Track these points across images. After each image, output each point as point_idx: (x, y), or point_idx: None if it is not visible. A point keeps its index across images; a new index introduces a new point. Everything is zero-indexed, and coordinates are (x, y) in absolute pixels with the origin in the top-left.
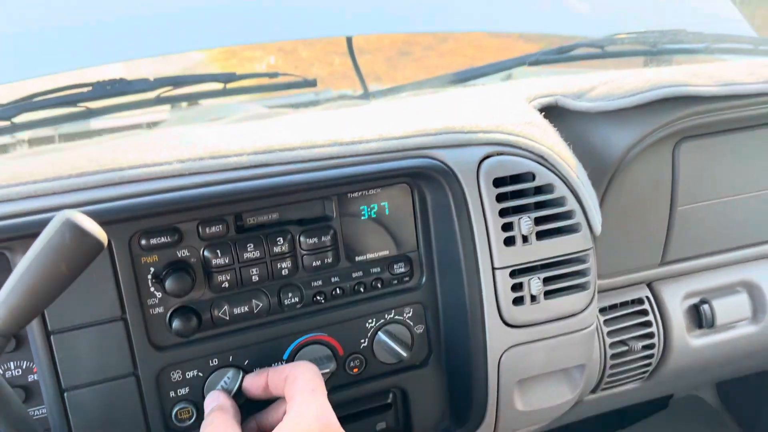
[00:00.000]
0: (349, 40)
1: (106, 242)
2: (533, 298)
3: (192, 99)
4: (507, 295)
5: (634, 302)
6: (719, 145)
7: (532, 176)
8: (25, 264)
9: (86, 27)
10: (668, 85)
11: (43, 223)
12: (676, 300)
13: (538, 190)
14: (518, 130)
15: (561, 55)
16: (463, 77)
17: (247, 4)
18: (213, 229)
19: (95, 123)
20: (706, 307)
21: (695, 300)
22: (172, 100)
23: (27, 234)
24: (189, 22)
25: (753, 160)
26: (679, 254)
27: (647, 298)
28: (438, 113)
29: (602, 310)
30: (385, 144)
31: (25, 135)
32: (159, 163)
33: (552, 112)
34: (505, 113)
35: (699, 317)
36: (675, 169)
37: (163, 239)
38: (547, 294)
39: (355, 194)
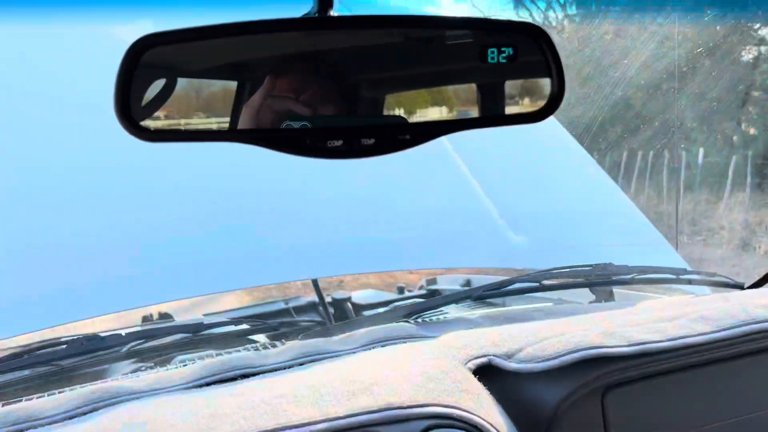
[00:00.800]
0: (315, 282)
1: None
2: None
3: (161, 350)
4: None
5: None
6: (644, 390)
7: None
8: None
9: (55, 288)
10: (585, 348)
11: None
12: None
13: None
14: (453, 401)
15: (501, 289)
16: (418, 309)
17: (213, 257)
18: None
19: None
20: None
21: None
22: (143, 353)
23: None
24: (156, 277)
25: (679, 401)
26: None
27: None
28: (384, 381)
29: None
30: (331, 425)
31: None
32: None
33: (486, 370)
34: (443, 381)
35: None
36: (605, 416)
37: None
38: None
39: None
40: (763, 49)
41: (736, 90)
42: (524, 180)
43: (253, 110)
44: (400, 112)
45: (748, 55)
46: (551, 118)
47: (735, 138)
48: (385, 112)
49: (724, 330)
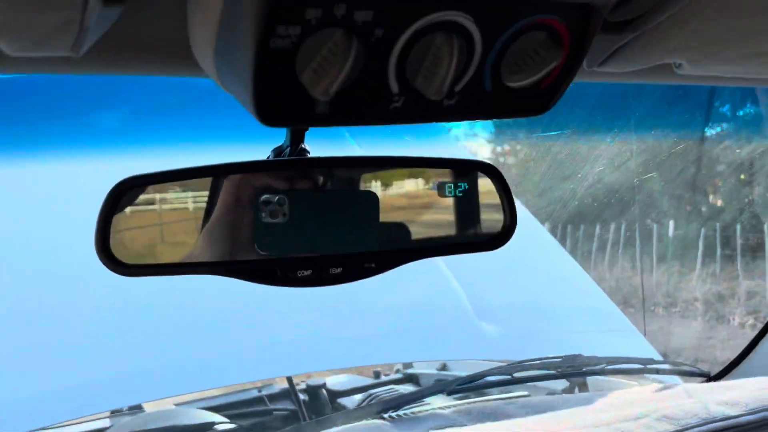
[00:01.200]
0: (290, 380)
1: None
2: None
3: None
4: None
5: None
6: None
7: None
8: None
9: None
10: None
11: None
12: None
13: None
14: None
15: (473, 383)
16: (392, 405)
17: (187, 358)
18: None
19: None
20: None
21: None
22: None
23: None
24: (130, 380)
25: None
26: None
27: None
28: None
29: None
30: None
31: None
32: None
33: None
34: None
35: None
36: None
37: None
38: None
39: None
40: (724, 125)
41: (703, 166)
42: (496, 271)
43: (234, 184)
44: (376, 186)
45: (711, 131)
46: (523, 210)
47: (704, 210)
48: (362, 187)
49: (685, 430)
